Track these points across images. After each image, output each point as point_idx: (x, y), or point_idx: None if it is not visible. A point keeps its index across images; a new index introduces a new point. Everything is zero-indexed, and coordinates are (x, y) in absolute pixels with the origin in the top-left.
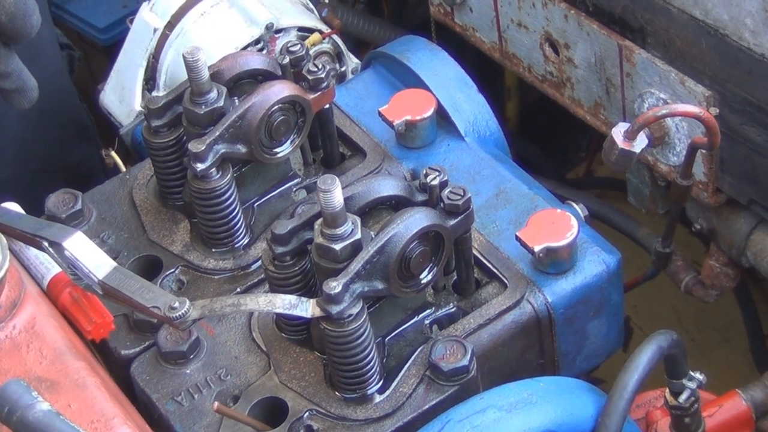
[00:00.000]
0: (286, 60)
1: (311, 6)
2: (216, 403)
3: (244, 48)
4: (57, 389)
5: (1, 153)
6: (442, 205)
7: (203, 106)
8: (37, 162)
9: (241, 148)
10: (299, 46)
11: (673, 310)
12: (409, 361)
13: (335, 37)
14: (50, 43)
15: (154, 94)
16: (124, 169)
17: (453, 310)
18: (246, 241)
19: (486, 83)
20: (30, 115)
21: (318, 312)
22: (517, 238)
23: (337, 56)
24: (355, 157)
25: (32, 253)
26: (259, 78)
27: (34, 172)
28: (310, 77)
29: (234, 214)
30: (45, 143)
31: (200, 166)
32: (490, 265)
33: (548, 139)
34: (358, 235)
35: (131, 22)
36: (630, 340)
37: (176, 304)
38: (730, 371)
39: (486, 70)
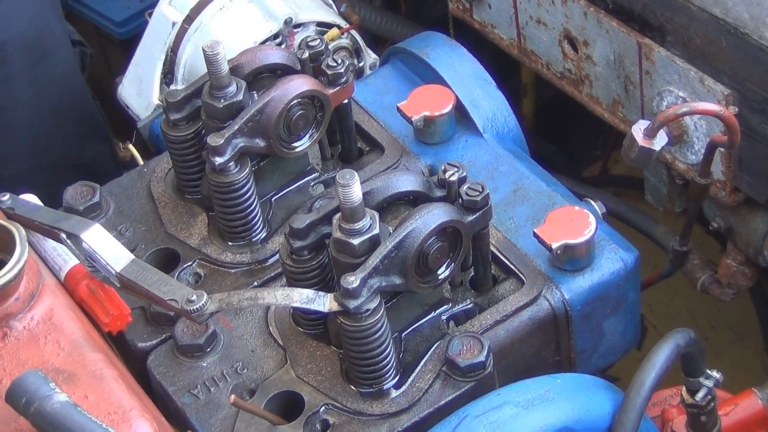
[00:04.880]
0: (306, 55)
1: (330, 1)
2: (232, 397)
3: (263, 42)
4: (74, 381)
5: (14, 149)
6: (460, 201)
7: (222, 100)
8: (51, 159)
9: (260, 142)
10: (319, 40)
11: (687, 308)
12: (426, 357)
13: (354, 32)
14: (62, 40)
15: (173, 87)
16: (141, 162)
17: (470, 306)
18: (263, 235)
19: (502, 80)
20: (42, 111)
21: (335, 306)
22: (535, 235)
23: (356, 51)
24: (373, 153)
25: (50, 245)
26: (278, 72)
27: (48, 168)
28: (329, 72)
29: (252, 208)
30: (58, 140)
31: (219, 160)
32: (507, 262)
33: (564, 136)
34: (377, 230)
35: (150, 15)
36: (644, 338)
37: (194, 297)
38: (744, 370)
39: (502, 67)
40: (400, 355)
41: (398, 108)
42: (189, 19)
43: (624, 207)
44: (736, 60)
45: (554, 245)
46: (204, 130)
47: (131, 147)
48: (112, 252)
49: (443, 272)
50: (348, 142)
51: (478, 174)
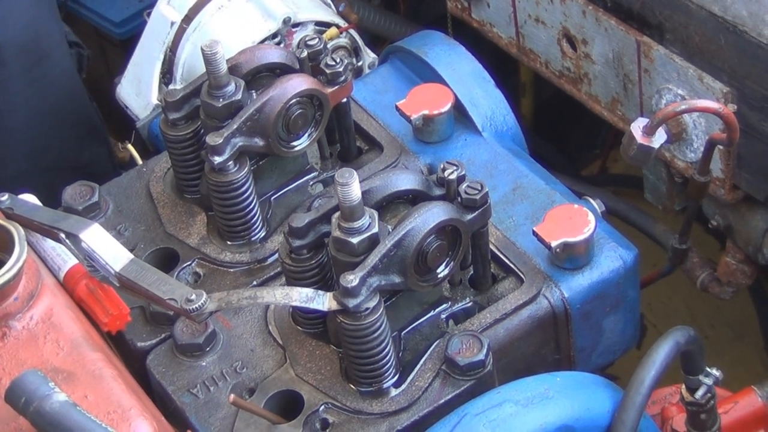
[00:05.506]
0: (304, 54)
1: (328, 0)
2: (232, 396)
3: (261, 42)
4: (74, 380)
5: (11, 151)
6: (459, 199)
7: (221, 99)
8: (48, 160)
9: (259, 142)
10: (317, 39)
11: (686, 307)
12: (425, 356)
13: (352, 31)
14: (58, 41)
15: (171, 87)
16: (140, 162)
17: (469, 304)
18: (262, 234)
19: (500, 79)
20: (39, 113)
21: (335, 305)
22: (534, 233)
23: (354, 51)
24: (372, 152)
25: (49, 245)
26: (277, 71)
27: (45, 170)
28: (327, 71)
29: (251, 207)
30: (55, 142)
31: (218, 159)
32: (506, 260)
33: (562, 136)
34: (376, 229)
35: (149, 15)
36: (644, 337)
37: (193, 297)
38: (743, 368)
39: (500, 67)
40: (400, 354)
41: (397, 107)
42: (187, 19)
43: (623, 205)
44: (734, 58)
45: (553, 243)
46: (203, 129)
47: (130, 147)
48: (111, 251)
49: (442, 271)
50: (347, 141)
51: (477, 172)
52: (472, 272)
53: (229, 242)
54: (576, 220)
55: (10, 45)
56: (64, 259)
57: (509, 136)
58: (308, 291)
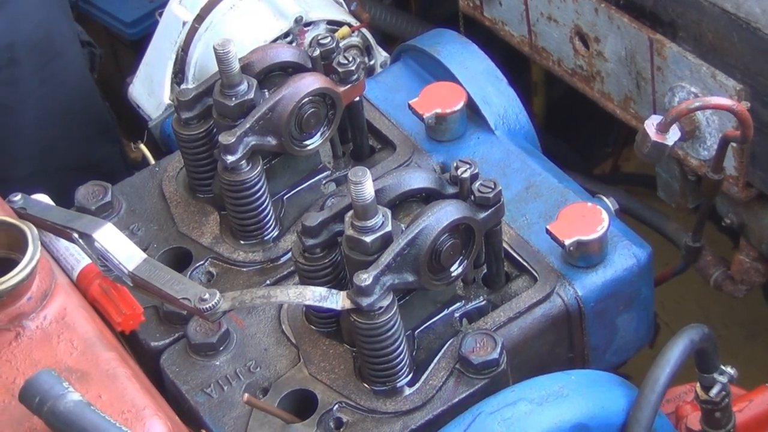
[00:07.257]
0: (317, 52)
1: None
2: (245, 395)
3: (273, 41)
4: (87, 380)
5: (23, 151)
6: (472, 197)
7: (234, 98)
8: (59, 160)
9: (271, 141)
10: (330, 38)
11: (699, 305)
12: (439, 354)
13: (364, 30)
14: (71, 41)
15: (184, 86)
16: (152, 161)
17: (483, 303)
18: (275, 233)
19: (513, 78)
20: (51, 113)
21: (348, 304)
22: (548, 232)
23: (366, 50)
24: (385, 150)
25: (62, 245)
26: (289, 70)
27: (57, 170)
28: (340, 70)
29: (264, 206)
30: (66, 141)
31: (230, 158)
32: (520, 259)
33: (574, 134)
34: (389, 228)
35: (160, 15)
36: (657, 335)
37: (206, 296)
38: (757, 367)
39: (512, 66)
40: (413, 353)
41: (409, 105)
42: (199, 19)
43: (636, 204)
44: (748, 55)
45: (567, 242)
46: (215, 128)
47: (143, 147)
48: (125, 251)
49: (456, 269)
50: (359, 139)
51: (490, 171)
52: (485, 271)
53: (242, 241)
54: (589, 218)
55: (22, 44)
56: (78, 258)
57: (522, 135)
58: (322, 290)
